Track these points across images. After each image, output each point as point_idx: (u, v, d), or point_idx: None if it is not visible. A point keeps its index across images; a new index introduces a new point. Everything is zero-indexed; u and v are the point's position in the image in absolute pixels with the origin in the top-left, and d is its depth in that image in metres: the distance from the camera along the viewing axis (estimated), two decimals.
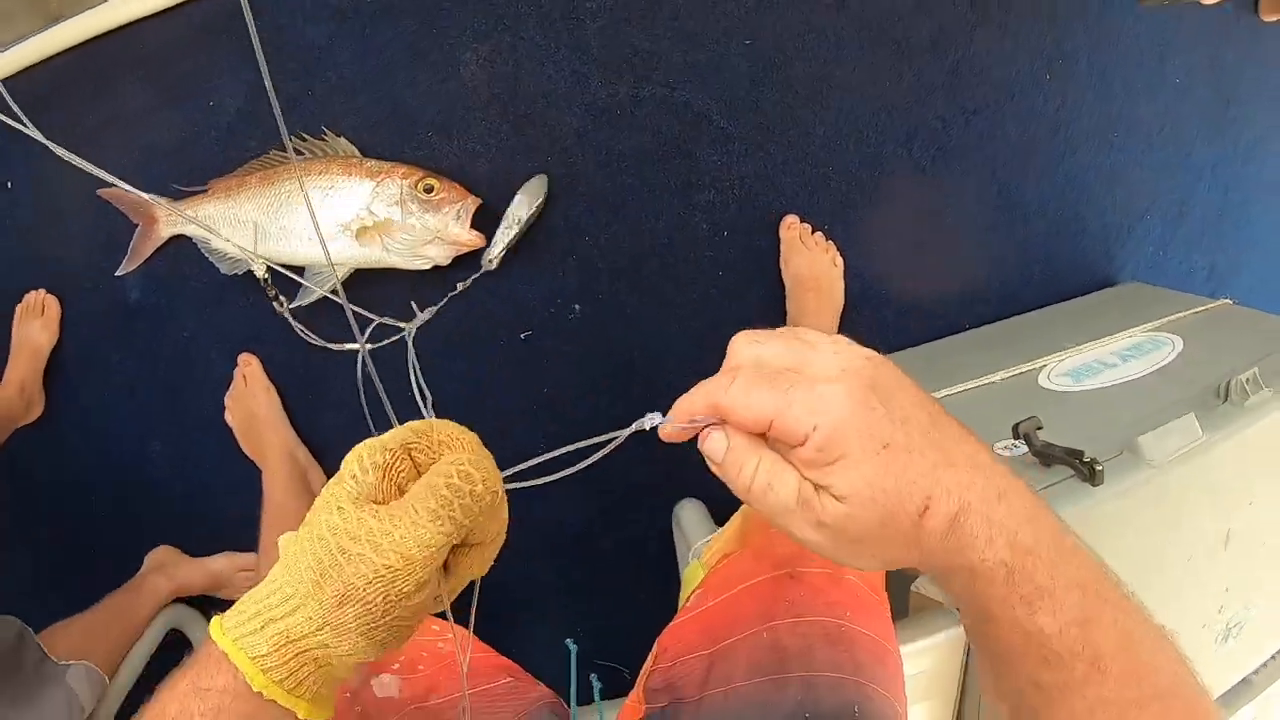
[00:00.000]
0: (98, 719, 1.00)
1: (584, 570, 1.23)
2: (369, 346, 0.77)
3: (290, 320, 0.78)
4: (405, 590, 0.33)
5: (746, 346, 0.35)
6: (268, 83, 0.44)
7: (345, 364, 1.12)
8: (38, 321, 1.11)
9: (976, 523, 0.32)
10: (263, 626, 0.33)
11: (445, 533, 0.33)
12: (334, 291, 0.95)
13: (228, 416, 1.12)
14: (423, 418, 0.53)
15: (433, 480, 0.34)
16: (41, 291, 1.12)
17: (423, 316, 0.62)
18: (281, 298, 1.00)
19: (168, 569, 1.15)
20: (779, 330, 0.36)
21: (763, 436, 0.34)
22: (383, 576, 0.32)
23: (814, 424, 0.31)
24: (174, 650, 1.15)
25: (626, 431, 0.38)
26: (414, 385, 0.54)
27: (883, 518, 0.32)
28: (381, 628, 0.34)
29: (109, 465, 1.19)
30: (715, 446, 0.35)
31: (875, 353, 0.35)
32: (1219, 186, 1.33)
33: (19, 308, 1.12)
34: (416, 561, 0.32)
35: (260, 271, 1.03)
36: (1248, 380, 0.80)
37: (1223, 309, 1.07)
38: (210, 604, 1.20)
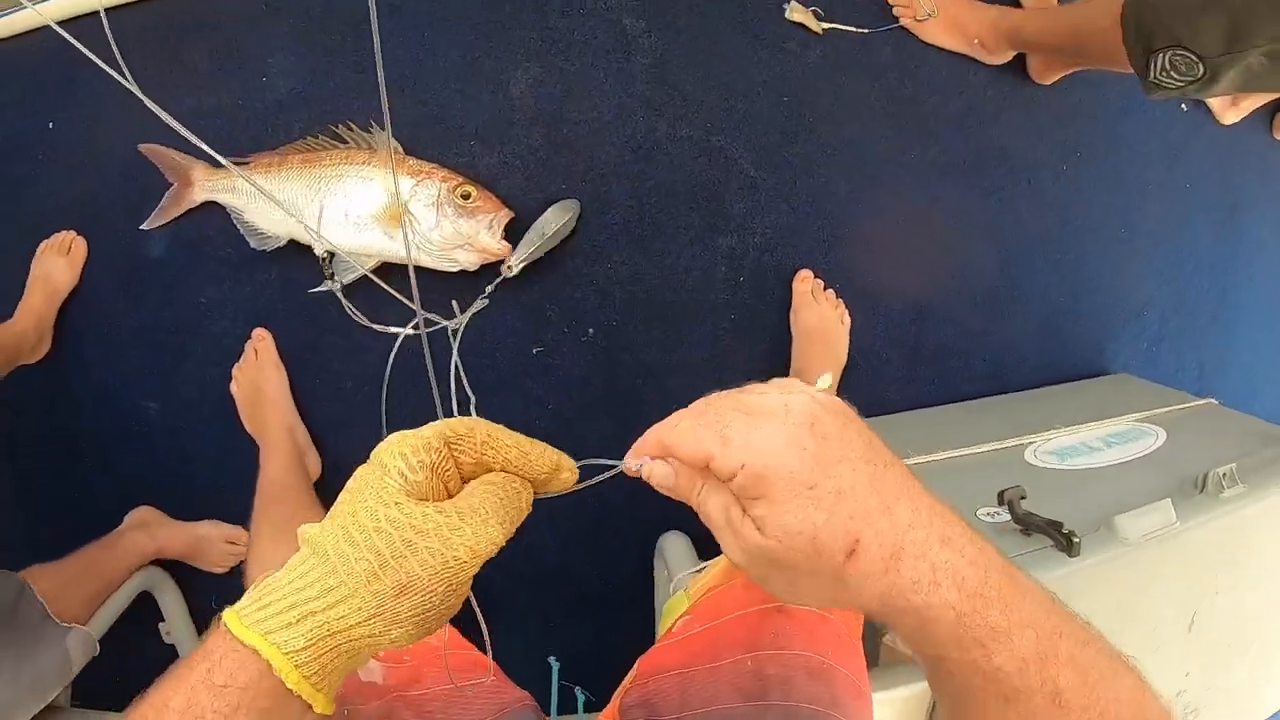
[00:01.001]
0: None
1: (562, 595, 1.25)
2: (406, 331, 0.81)
3: (341, 299, 0.83)
4: (462, 581, 0.36)
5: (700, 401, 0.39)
6: (380, 77, 0.49)
7: (353, 355, 1.16)
8: (62, 260, 1.14)
9: (917, 566, 0.33)
10: (299, 620, 0.34)
11: (505, 535, 0.37)
12: (393, 273, 0.99)
13: (233, 388, 1.15)
14: (452, 409, 0.57)
15: (494, 489, 0.38)
16: (71, 232, 1.15)
17: (463, 317, 0.66)
18: (336, 276, 1.03)
19: (150, 528, 1.17)
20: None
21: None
22: (450, 568, 0.35)
23: (741, 463, 0.34)
24: (138, 614, 1.16)
25: (610, 473, 0.42)
26: (452, 379, 0.58)
27: (804, 554, 0.34)
28: (435, 615, 0.35)
29: (103, 416, 1.21)
30: (659, 476, 0.39)
31: (833, 400, 0.37)
32: (1216, 289, 1.41)
33: (44, 243, 1.14)
34: (481, 557, 0.36)
35: (320, 249, 1.05)
36: (1225, 475, 0.86)
37: (1207, 407, 1.14)
38: (184, 571, 1.22)
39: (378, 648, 0.36)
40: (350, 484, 0.37)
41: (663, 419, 0.39)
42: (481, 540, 0.35)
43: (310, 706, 0.35)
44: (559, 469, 0.41)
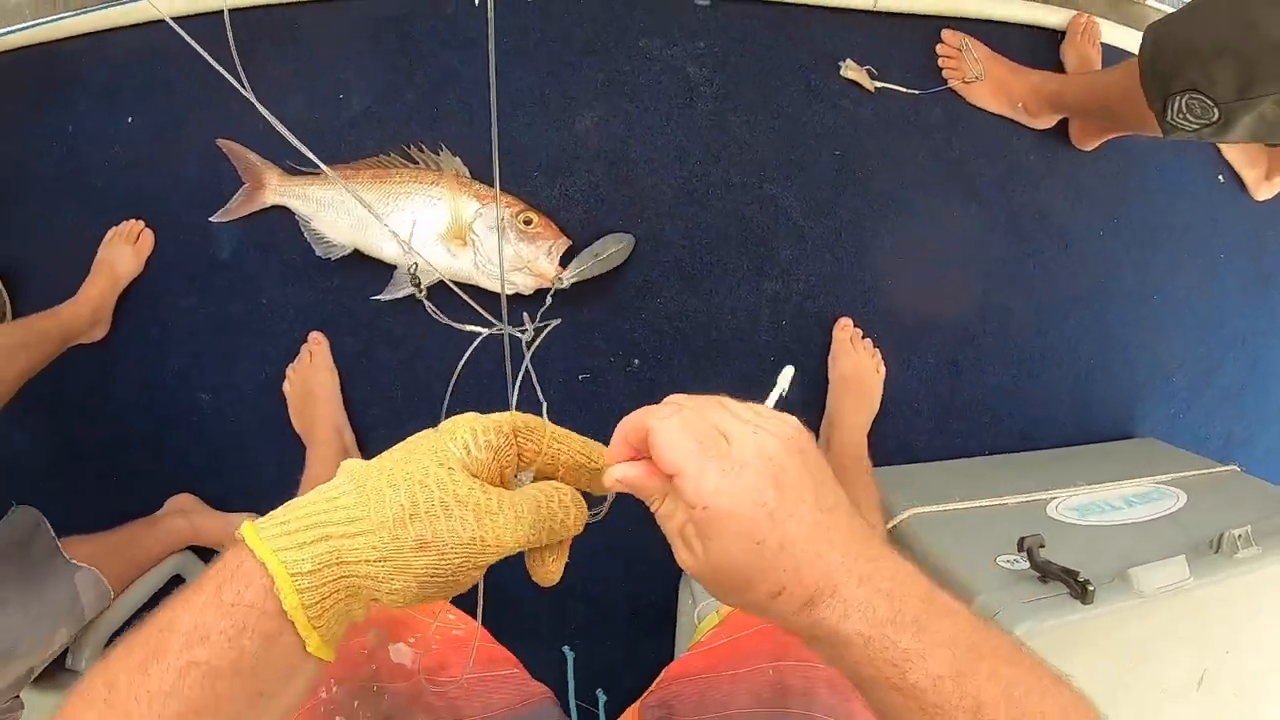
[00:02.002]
0: (89, 639, 1.10)
1: (587, 613, 1.35)
2: (487, 331, 0.93)
3: (427, 304, 0.94)
4: (480, 564, 0.39)
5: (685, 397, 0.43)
6: (493, 118, 0.60)
7: (405, 365, 1.28)
8: (129, 248, 1.26)
9: (831, 604, 0.38)
10: (314, 540, 0.36)
11: (532, 540, 0.41)
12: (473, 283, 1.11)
13: (286, 387, 1.27)
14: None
15: (541, 497, 0.41)
16: (140, 223, 1.27)
17: (533, 326, 0.77)
18: (425, 287, 1.13)
19: (189, 515, 1.27)
20: (709, 397, 0.44)
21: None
22: (474, 545, 0.38)
23: (705, 505, 0.38)
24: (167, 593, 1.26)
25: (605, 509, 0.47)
26: (524, 383, 0.66)
27: (737, 587, 0.40)
28: (440, 583, 0.38)
29: (156, 403, 1.32)
30: (627, 482, 0.43)
31: (798, 432, 0.42)
32: (1247, 359, 1.52)
33: (113, 230, 1.27)
34: (503, 547, 0.39)
35: (408, 262, 1.16)
36: (1240, 536, 0.95)
37: (1230, 474, 1.23)
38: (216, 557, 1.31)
39: (375, 595, 0.38)
40: (409, 441, 0.41)
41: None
42: (507, 535, 0.39)
43: (304, 644, 0.37)
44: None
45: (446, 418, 0.45)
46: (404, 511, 0.37)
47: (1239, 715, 1.03)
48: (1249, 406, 1.55)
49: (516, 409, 0.49)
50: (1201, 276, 1.45)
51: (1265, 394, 1.55)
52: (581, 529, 0.44)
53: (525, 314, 1.00)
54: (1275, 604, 0.99)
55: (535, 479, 0.45)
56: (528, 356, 0.79)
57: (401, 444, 0.41)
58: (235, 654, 0.34)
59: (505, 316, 0.65)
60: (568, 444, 0.44)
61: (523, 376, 0.78)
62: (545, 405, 0.71)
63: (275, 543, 0.36)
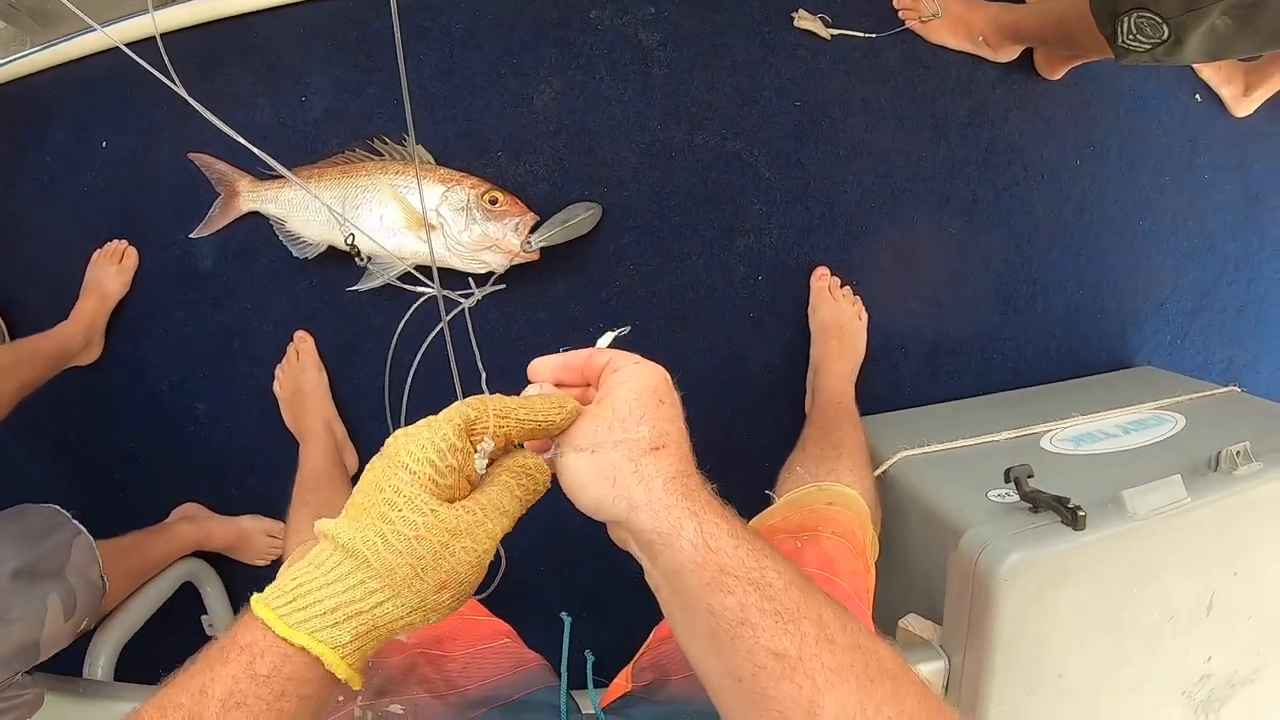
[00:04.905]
0: (104, 646, 1.08)
1: (587, 586, 1.32)
2: (429, 292, 0.89)
3: (360, 261, 0.91)
4: (487, 561, 0.41)
5: None
6: (406, 99, 0.57)
7: (388, 354, 1.24)
8: (113, 267, 1.24)
9: (700, 488, 0.42)
10: (346, 619, 0.37)
11: (518, 516, 0.42)
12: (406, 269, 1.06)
13: (276, 387, 1.24)
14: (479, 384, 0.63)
15: (509, 481, 0.42)
16: (123, 242, 1.25)
17: (478, 293, 0.74)
18: (362, 255, 1.14)
19: (196, 520, 1.26)
20: None
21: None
22: (481, 560, 0.40)
23: (636, 360, 0.46)
24: (183, 608, 1.25)
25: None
26: (467, 354, 0.64)
27: (625, 420, 0.43)
28: (466, 594, 0.40)
29: (154, 417, 1.31)
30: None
31: None
32: (1241, 281, 1.43)
33: (98, 252, 1.25)
34: (498, 540, 0.41)
35: (345, 233, 1.13)
36: (1238, 453, 0.88)
37: (1229, 395, 1.15)
38: (224, 567, 1.30)
39: (414, 628, 0.40)
40: (374, 480, 0.39)
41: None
42: (499, 530, 0.41)
43: (348, 685, 0.38)
44: (562, 406, 0.45)
45: (407, 384, 0.44)
46: (415, 570, 0.38)
47: (1254, 639, 0.96)
48: (1248, 330, 1.46)
49: (469, 374, 0.48)
50: (1186, 200, 1.37)
51: (1263, 316, 1.46)
52: (550, 485, 0.45)
53: (471, 279, 0.97)
54: None
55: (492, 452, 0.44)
56: (460, 311, 0.76)
57: (367, 486, 0.39)
58: (275, 715, 0.36)
59: (435, 278, 0.61)
60: (513, 417, 0.43)
61: (473, 342, 0.74)
62: (484, 375, 0.68)
63: (305, 627, 0.36)
